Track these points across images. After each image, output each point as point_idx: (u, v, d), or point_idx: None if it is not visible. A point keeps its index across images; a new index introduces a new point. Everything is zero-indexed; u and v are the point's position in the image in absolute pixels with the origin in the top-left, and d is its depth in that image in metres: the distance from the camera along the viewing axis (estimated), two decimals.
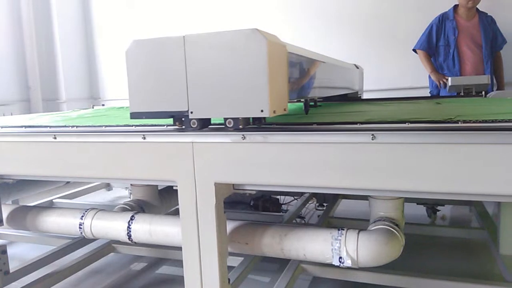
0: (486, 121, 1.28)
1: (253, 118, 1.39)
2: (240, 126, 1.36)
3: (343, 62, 2.81)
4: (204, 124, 1.44)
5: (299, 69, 1.68)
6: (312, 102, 2.43)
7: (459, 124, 1.28)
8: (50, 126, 1.82)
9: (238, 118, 1.36)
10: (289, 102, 1.49)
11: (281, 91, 1.39)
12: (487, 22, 3.86)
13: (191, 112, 1.38)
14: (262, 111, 1.28)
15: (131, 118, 1.47)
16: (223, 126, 1.40)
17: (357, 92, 3.24)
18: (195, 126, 1.41)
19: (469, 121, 1.30)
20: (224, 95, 1.33)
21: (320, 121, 1.48)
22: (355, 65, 3.31)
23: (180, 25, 5.49)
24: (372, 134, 1.24)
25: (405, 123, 1.36)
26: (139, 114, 1.45)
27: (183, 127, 1.46)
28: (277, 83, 1.34)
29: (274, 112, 1.32)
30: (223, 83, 1.32)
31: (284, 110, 1.41)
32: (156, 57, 1.39)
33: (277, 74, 1.34)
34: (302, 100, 1.96)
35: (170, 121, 1.50)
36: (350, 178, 1.29)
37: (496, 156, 1.15)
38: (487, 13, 3.90)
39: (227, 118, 1.37)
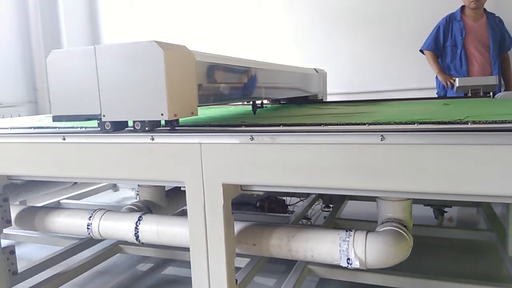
0: (495, 122, 1.27)
1: (165, 120, 1.49)
2: (147, 128, 1.50)
3: (292, 66, 2.92)
4: (119, 127, 1.58)
5: (218, 76, 1.82)
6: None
7: (469, 125, 1.28)
8: (59, 127, 1.83)
9: (144, 121, 1.49)
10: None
11: (188, 96, 1.53)
12: (495, 23, 3.84)
13: (104, 115, 1.53)
14: (162, 114, 1.43)
15: (53, 121, 1.62)
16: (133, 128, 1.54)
17: (316, 95, 3.36)
18: (108, 128, 1.55)
19: (479, 122, 1.30)
20: (131, 100, 1.47)
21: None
22: (315, 69, 3.39)
23: (186, 24, 5.52)
24: (381, 135, 1.23)
25: (414, 123, 1.35)
26: (60, 117, 1.60)
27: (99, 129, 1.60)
28: (181, 89, 1.48)
29: (175, 115, 1.46)
30: (129, 89, 1.46)
31: (192, 113, 1.56)
32: (72, 65, 1.54)
33: (180, 80, 1.48)
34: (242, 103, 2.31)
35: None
36: (359, 179, 1.28)
37: (505, 157, 1.14)
38: (495, 14, 3.89)
39: (135, 121, 1.51)
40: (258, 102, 2.35)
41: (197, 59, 1.59)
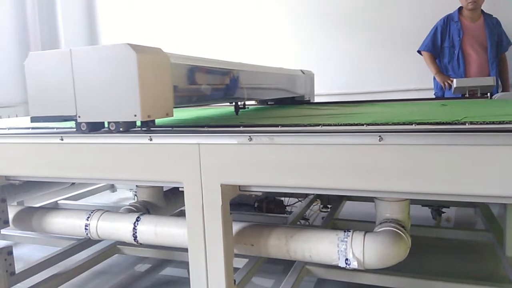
0: (493, 123, 1.28)
1: (141, 121, 1.51)
2: (121, 129, 1.53)
3: (276, 68, 2.94)
4: (95, 127, 1.60)
5: (195, 78, 1.84)
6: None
7: (466, 126, 1.28)
8: (57, 128, 1.83)
9: (119, 121, 1.52)
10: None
11: (162, 98, 1.56)
12: (492, 24, 3.85)
13: (79, 116, 1.56)
14: (135, 115, 1.45)
15: (31, 122, 1.65)
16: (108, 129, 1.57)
17: (303, 96, 3.37)
18: (84, 129, 1.58)
19: (476, 123, 1.30)
20: (105, 101, 1.50)
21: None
22: (301, 70, 3.41)
23: (183, 24, 5.52)
24: (379, 136, 1.23)
25: (411, 124, 1.36)
26: (38, 118, 1.63)
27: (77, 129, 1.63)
28: (155, 91, 1.51)
29: (149, 116, 1.48)
30: (104, 91, 1.49)
31: (167, 114, 1.58)
32: (49, 68, 1.57)
33: (154, 82, 1.51)
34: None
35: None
36: (357, 179, 1.29)
37: (503, 157, 1.14)
38: (492, 15, 3.90)
39: (110, 122, 1.54)
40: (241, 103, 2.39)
41: (172, 61, 1.61)
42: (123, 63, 1.44)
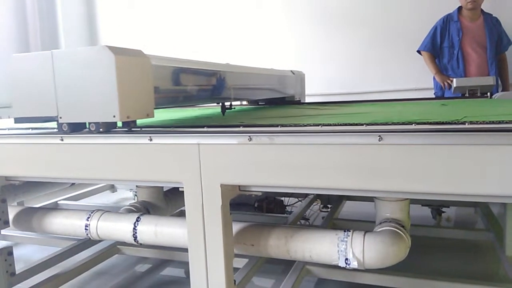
0: (493, 122, 1.28)
1: (122, 122, 1.54)
2: (101, 130, 1.56)
3: (263, 68, 2.95)
4: (76, 128, 1.63)
5: (177, 79, 1.87)
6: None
7: (466, 126, 1.28)
8: (57, 128, 1.83)
9: (99, 122, 1.55)
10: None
11: (142, 99, 1.59)
12: (492, 24, 3.85)
13: (60, 117, 1.59)
14: (114, 116, 1.48)
15: (15, 122, 1.69)
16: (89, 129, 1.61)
17: (293, 96, 3.39)
18: (66, 129, 1.61)
19: (476, 122, 1.30)
20: (86, 102, 1.53)
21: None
22: (291, 71, 3.42)
23: (184, 25, 5.52)
24: (379, 136, 1.23)
25: (411, 124, 1.36)
26: (22, 119, 1.67)
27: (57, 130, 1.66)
28: (134, 92, 1.54)
29: (128, 117, 1.51)
30: (84, 92, 1.53)
31: (148, 115, 1.61)
32: (32, 70, 1.60)
33: (134, 84, 1.54)
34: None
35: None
36: (357, 179, 1.29)
37: (503, 157, 1.14)
38: (492, 14, 3.90)
39: (90, 122, 1.57)
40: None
41: (153, 63, 1.63)
42: (102, 65, 1.47)
